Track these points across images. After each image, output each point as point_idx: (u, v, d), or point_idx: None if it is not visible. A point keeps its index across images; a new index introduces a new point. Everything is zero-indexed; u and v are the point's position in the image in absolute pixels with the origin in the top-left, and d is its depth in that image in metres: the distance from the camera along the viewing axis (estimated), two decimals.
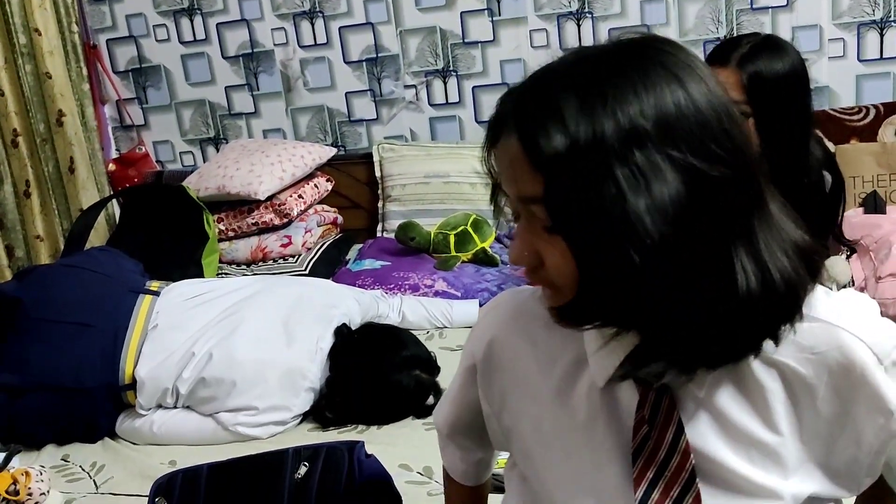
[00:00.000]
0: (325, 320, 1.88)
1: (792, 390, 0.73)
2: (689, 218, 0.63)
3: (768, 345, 0.70)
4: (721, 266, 0.66)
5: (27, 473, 1.38)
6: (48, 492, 1.41)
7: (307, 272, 2.60)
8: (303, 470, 1.31)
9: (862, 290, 2.09)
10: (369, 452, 1.36)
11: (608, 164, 0.63)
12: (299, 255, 2.69)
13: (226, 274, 2.67)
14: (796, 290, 0.69)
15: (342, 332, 1.87)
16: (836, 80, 2.69)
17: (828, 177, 1.83)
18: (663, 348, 0.69)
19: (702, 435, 0.74)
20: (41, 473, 1.41)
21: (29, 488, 1.36)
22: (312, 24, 2.98)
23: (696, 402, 0.74)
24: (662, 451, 0.74)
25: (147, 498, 1.32)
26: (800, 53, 1.60)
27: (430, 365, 1.84)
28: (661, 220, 0.62)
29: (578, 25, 2.81)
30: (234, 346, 1.78)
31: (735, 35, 2.62)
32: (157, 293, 1.95)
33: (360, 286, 2.32)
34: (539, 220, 0.67)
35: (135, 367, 1.78)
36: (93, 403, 1.76)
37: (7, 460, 1.41)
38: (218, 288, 2.00)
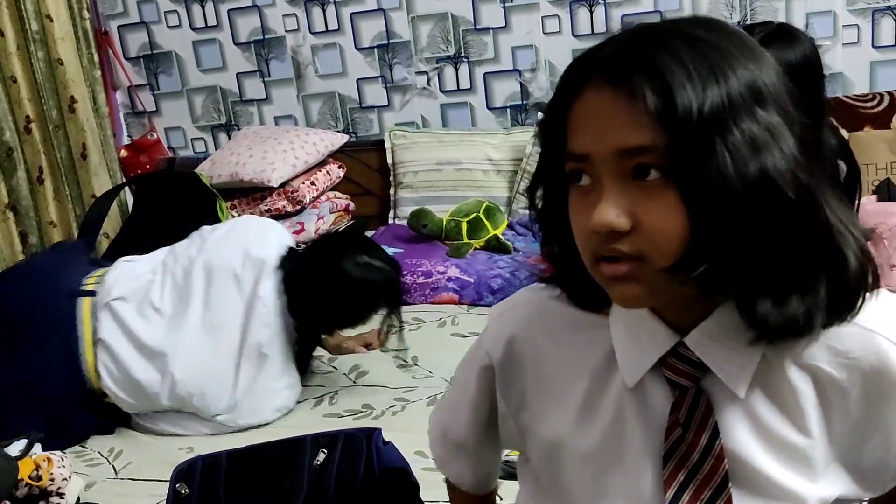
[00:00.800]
0: (253, 274, 1.85)
1: (824, 394, 0.73)
2: (807, 172, 0.64)
3: (803, 348, 0.70)
4: (826, 228, 0.66)
5: (49, 459, 1.40)
6: (69, 477, 1.43)
7: None
8: (321, 457, 1.32)
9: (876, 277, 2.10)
10: (386, 440, 1.37)
11: (738, 120, 0.63)
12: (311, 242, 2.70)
13: None
14: (867, 277, 0.69)
15: (289, 256, 1.88)
16: (851, 67, 2.68)
17: (842, 165, 1.82)
18: (757, 314, 0.67)
19: (736, 438, 0.73)
20: (62, 460, 1.43)
21: (51, 474, 1.38)
22: (324, 10, 2.97)
23: (732, 404, 0.73)
24: (696, 453, 0.73)
25: (167, 483, 1.34)
26: (814, 42, 1.59)
27: (385, 257, 1.89)
28: (792, 174, 0.63)
29: (591, 12, 2.80)
30: (189, 363, 1.77)
31: (749, 21, 2.61)
32: (93, 293, 1.88)
33: None
34: (638, 175, 0.64)
35: (100, 380, 1.78)
36: (70, 409, 1.77)
37: (29, 446, 1.43)
38: (145, 283, 1.91)
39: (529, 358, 0.82)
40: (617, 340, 0.76)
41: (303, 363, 1.92)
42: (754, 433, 0.73)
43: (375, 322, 1.90)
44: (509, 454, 1.32)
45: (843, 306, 0.69)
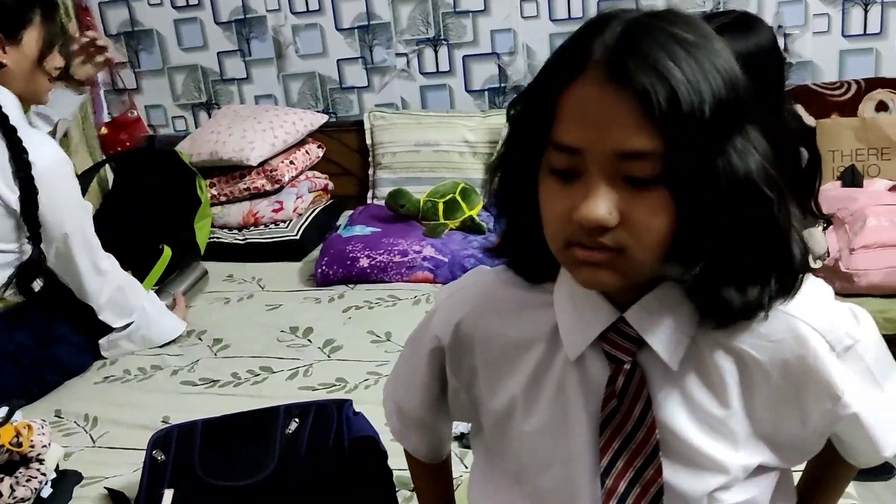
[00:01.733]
0: None
1: (747, 373, 0.77)
2: (778, 170, 0.69)
3: (728, 331, 0.75)
4: (787, 222, 0.70)
5: (29, 427, 1.43)
6: (49, 444, 1.47)
7: (298, 237, 2.66)
8: (293, 426, 1.37)
9: (836, 260, 2.17)
10: (357, 410, 1.42)
11: (728, 124, 0.67)
12: (290, 221, 2.73)
13: (218, 238, 2.72)
14: (806, 266, 0.74)
15: None
16: (820, 55, 2.74)
17: (804, 152, 1.88)
18: (720, 300, 0.71)
19: (667, 410, 0.77)
20: (42, 427, 1.46)
21: (31, 441, 1.42)
22: None
23: (664, 379, 0.77)
24: (630, 423, 0.77)
25: (144, 452, 1.39)
26: (773, 33, 1.62)
27: None
28: (766, 173, 0.68)
29: None
30: None
31: (721, 10, 2.66)
32: None
33: (349, 251, 2.38)
34: (632, 177, 0.66)
35: None
36: None
37: (10, 414, 1.46)
38: None
39: (477, 339, 0.85)
40: (561, 317, 0.80)
41: None
42: (683, 406, 0.78)
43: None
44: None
45: (786, 293, 0.74)
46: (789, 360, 0.76)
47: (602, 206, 0.66)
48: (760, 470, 0.82)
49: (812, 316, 0.77)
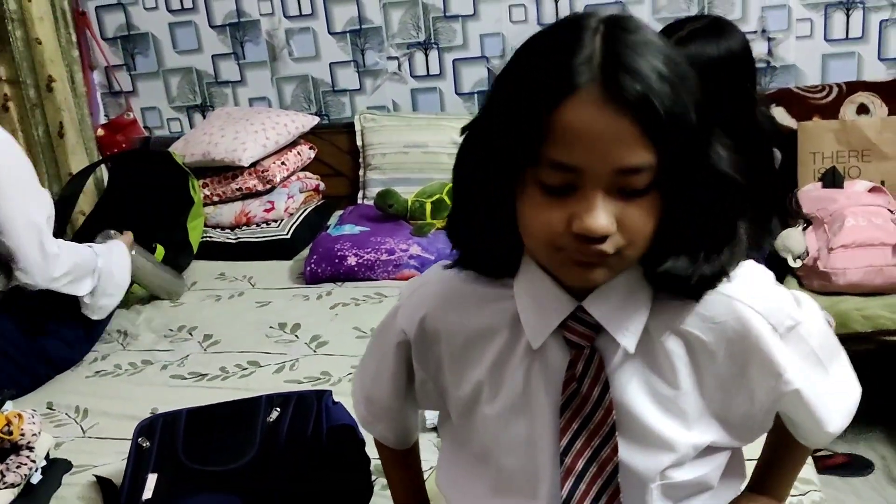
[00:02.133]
0: None
1: (694, 354, 0.82)
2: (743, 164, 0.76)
3: (676, 316, 0.81)
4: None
5: (20, 416, 1.47)
6: (39, 433, 1.51)
7: (289, 237, 2.70)
8: (274, 414, 1.42)
9: (815, 259, 2.21)
10: (336, 400, 1.47)
11: (708, 134, 0.73)
12: (282, 220, 2.78)
13: (210, 237, 2.76)
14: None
15: None
16: (804, 59, 2.78)
17: (777, 154, 1.93)
18: (680, 277, 0.77)
19: (624, 392, 0.82)
20: (33, 417, 1.51)
21: (22, 429, 1.46)
22: None
23: (621, 362, 0.82)
24: (589, 405, 0.82)
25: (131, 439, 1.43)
26: (745, 38, 1.66)
27: None
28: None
29: (556, 1, 2.89)
30: None
31: (705, 14, 2.70)
32: None
33: (338, 250, 2.42)
34: (628, 188, 0.70)
35: None
36: None
37: (1, 404, 1.51)
38: None
39: (442, 331, 0.89)
40: (522, 309, 0.83)
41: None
42: (639, 388, 0.82)
43: None
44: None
45: (730, 271, 0.79)
46: (733, 340, 0.81)
47: (604, 218, 0.70)
48: (711, 450, 0.86)
49: (753, 299, 0.82)
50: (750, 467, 1.04)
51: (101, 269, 2.07)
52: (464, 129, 0.82)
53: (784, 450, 1.00)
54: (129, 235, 2.28)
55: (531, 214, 0.74)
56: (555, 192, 0.71)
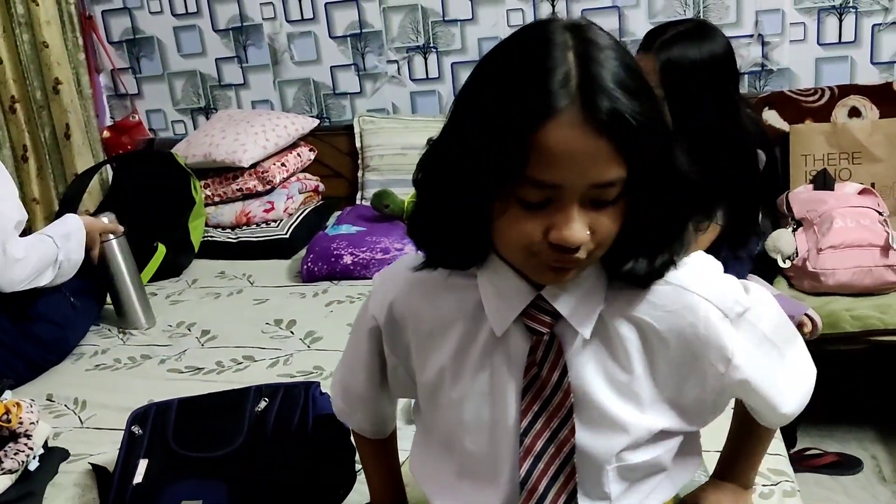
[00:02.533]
0: None
1: (647, 341, 0.86)
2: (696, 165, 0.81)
3: (628, 304, 0.85)
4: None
5: (18, 404, 1.52)
6: (37, 422, 1.55)
7: (288, 236, 2.75)
8: (262, 404, 1.47)
9: (805, 260, 2.23)
10: (323, 391, 1.51)
11: (669, 143, 0.77)
12: (281, 220, 2.83)
13: (211, 237, 2.81)
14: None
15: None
16: (797, 63, 2.81)
17: (762, 155, 1.96)
18: (632, 269, 0.82)
19: (581, 376, 0.86)
20: (31, 406, 1.55)
21: (20, 417, 1.51)
22: (299, 0, 3.10)
23: (578, 348, 0.86)
24: (548, 388, 0.86)
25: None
26: (728, 42, 1.70)
27: None
28: (692, 168, 0.80)
29: (553, 5, 2.93)
30: None
31: (689, 18, 2.74)
32: None
33: (334, 249, 2.47)
34: (600, 200, 0.75)
35: None
36: None
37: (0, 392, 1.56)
38: None
39: (409, 317, 0.93)
40: (486, 298, 0.87)
41: None
42: (595, 372, 0.86)
43: None
44: None
45: (678, 261, 0.84)
46: (683, 327, 0.85)
47: (581, 230, 0.74)
48: (664, 434, 0.90)
49: (702, 287, 0.86)
50: (712, 459, 1.08)
51: (61, 262, 2.06)
52: (430, 141, 0.85)
53: (747, 435, 1.04)
54: (104, 223, 2.25)
55: (508, 225, 0.77)
56: (532, 207, 0.75)
